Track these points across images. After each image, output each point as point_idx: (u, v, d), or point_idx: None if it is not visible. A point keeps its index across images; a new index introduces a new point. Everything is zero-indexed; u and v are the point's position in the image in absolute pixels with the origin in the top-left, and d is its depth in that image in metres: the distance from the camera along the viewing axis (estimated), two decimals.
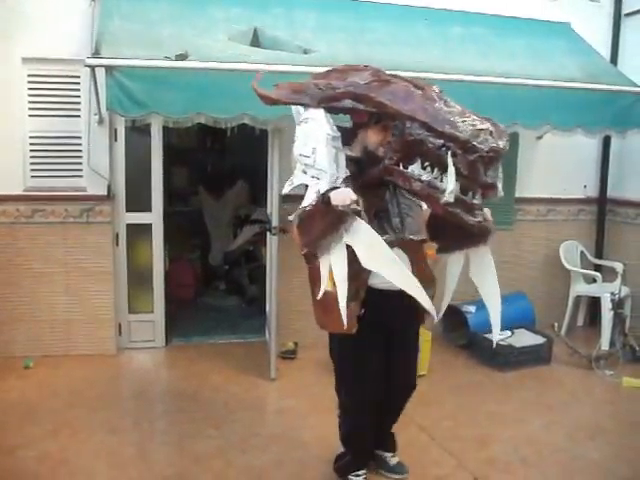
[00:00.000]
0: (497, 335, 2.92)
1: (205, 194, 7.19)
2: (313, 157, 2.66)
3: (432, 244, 2.92)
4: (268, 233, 4.65)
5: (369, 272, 2.73)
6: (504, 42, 4.96)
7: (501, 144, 2.41)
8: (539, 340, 5.14)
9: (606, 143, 5.95)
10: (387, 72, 2.77)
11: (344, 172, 2.67)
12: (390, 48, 4.42)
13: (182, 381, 4.49)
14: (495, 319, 2.85)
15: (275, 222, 4.35)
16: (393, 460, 3.39)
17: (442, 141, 2.43)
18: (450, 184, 2.44)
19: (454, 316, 5.22)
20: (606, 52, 5.77)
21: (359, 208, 2.51)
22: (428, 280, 2.91)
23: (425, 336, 4.71)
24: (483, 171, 2.44)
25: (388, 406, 3.24)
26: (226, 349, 5.14)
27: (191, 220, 7.34)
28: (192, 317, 5.90)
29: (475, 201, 2.52)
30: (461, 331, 5.31)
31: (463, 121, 2.42)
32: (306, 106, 2.78)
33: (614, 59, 5.82)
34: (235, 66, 3.84)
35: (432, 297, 2.80)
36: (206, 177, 7.82)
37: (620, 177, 6.04)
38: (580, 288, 5.81)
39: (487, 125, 2.41)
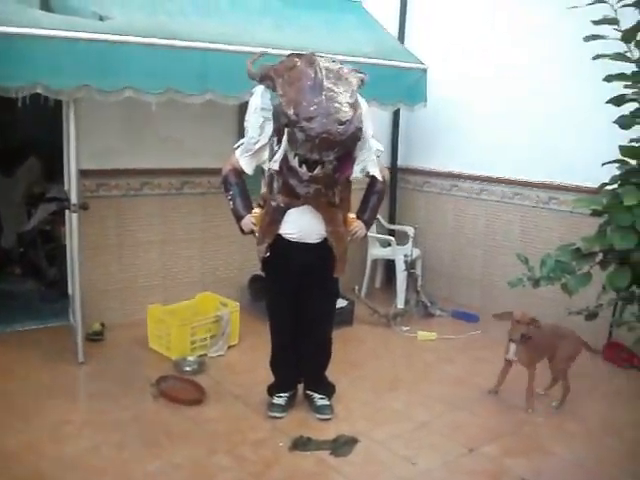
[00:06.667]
0: None
1: None
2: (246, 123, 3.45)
3: (351, 214, 3.55)
4: (67, 211, 4.42)
5: (276, 226, 3.42)
6: (300, 16, 5.08)
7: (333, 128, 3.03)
8: (342, 304, 5.42)
9: (395, 116, 6.37)
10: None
11: (267, 138, 3.34)
12: (190, 18, 4.36)
13: None
14: None
15: (74, 199, 4.13)
16: (320, 401, 3.80)
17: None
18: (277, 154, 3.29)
19: (262, 284, 5.34)
20: (394, 30, 6.15)
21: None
22: (337, 239, 3.46)
23: (233, 307, 4.80)
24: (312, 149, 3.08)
25: (306, 350, 3.75)
26: (28, 337, 4.79)
27: None
28: None
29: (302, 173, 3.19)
30: None
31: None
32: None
33: (401, 37, 6.22)
34: (24, 31, 3.57)
35: (340, 254, 3.50)
36: None
37: (409, 148, 6.51)
38: (376, 252, 6.21)
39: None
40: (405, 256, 5.68)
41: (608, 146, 2.62)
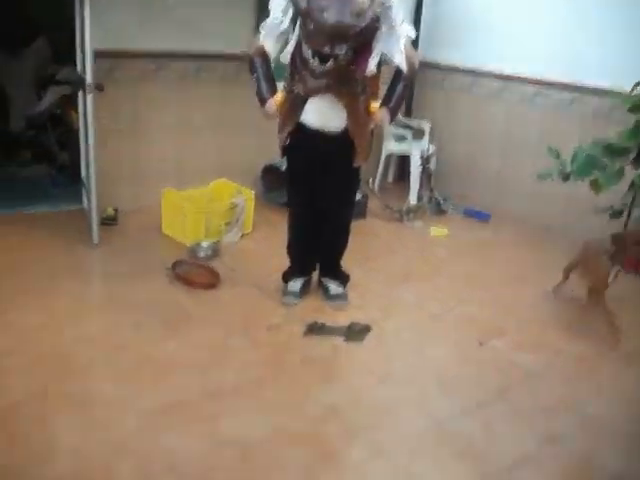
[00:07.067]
0: None
1: None
2: None
3: (375, 102, 3.40)
4: (81, 93, 4.32)
5: (296, 114, 3.36)
6: None
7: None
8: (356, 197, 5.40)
9: (418, 6, 6.12)
10: None
11: (289, 21, 3.26)
12: None
13: None
14: None
15: (89, 79, 4.02)
16: (334, 289, 3.88)
17: None
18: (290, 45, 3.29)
19: (275, 175, 5.32)
20: None
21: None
22: (358, 129, 3.37)
23: (248, 195, 4.79)
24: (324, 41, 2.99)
25: (324, 237, 3.77)
26: (40, 219, 4.78)
27: None
28: None
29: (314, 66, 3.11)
30: (281, 190, 5.38)
31: None
32: None
33: None
34: None
35: (361, 144, 3.42)
36: None
37: (430, 40, 6.28)
38: (391, 147, 6.12)
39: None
40: (422, 151, 5.61)
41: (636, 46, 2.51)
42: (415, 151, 5.73)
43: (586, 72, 5.03)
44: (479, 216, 5.65)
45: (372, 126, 3.48)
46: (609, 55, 4.79)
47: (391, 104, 3.46)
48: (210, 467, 2.45)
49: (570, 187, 5.08)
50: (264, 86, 3.44)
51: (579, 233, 5.14)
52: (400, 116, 6.19)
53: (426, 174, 5.69)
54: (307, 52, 3.13)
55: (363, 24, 2.98)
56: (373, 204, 5.48)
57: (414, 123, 6.21)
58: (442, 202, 5.68)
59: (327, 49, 3.02)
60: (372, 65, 3.24)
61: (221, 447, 2.56)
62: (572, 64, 5.12)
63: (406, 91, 3.57)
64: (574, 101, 5.19)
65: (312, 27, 2.98)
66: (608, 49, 4.80)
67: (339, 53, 3.04)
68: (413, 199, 5.72)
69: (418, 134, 5.99)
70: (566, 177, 2.43)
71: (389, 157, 6.26)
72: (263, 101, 3.44)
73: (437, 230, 5.21)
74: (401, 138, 6.11)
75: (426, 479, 2.50)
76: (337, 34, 2.97)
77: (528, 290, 4.29)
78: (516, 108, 5.63)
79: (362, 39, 3.09)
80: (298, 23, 3.14)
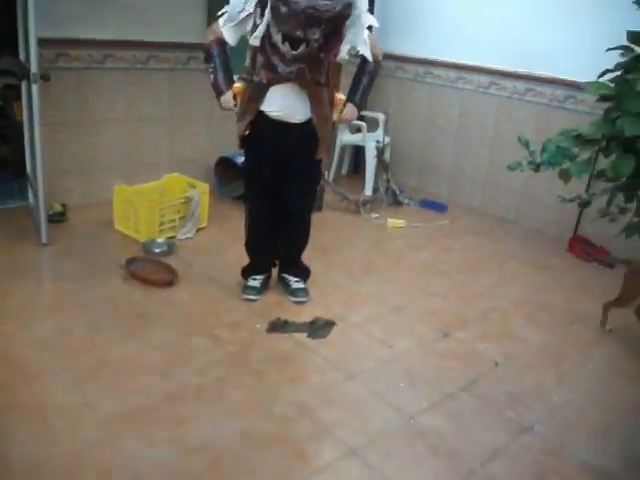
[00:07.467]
0: None
1: None
2: None
3: (340, 94, 3.36)
4: (24, 83, 4.12)
5: (257, 102, 3.25)
6: None
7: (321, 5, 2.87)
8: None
9: (371, 1, 6.06)
10: None
11: (252, 7, 3.10)
12: None
13: None
14: None
15: (35, 68, 3.82)
16: (295, 284, 3.78)
17: None
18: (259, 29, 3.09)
19: (228, 168, 5.19)
20: None
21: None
22: (322, 120, 3.30)
23: (202, 188, 4.66)
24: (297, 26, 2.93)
25: (284, 233, 3.68)
26: None
27: None
28: None
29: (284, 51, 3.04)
30: (235, 183, 5.27)
31: None
32: None
33: None
34: None
35: (324, 136, 3.35)
36: None
37: (382, 30, 6.19)
38: (346, 138, 6.07)
39: None
40: (377, 142, 5.57)
41: (590, 37, 2.52)
42: (370, 142, 5.68)
43: (539, 62, 5.08)
44: (435, 207, 5.65)
45: (335, 118, 3.40)
46: (562, 45, 4.84)
47: (357, 98, 3.41)
48: (177, 474, 2.35)
49: (524, 179, 5.15)
50: (221, 77, 3.32)
51: (533, 222, 5.28)
52: None
53: (382, 165, 5.65)
54: (277, 37, 3.04)
55: (338, 8, 2.93)
56: (329, 196, 5.42)
57: (368, 114, 6.16)
58: (398, 193, 5.66)
59: (300, 33, 2.96)
60: (344, 51, 3.19)
61: (188, 453, 2.46)
62: (525, 54, 5.15)
63: (371, 84, 3.50)
64: (528, 91, 5.21)
65: (285, 10, 2.90)
66: (561, 39, 4.85)
67: (311, 38, 2.98)
68: (369, 191, 5.68)
69: (372, 125, 5.95)
70: (537, 167, 2.41)
71: (343, 148, 6.20)
72: (220, 93, 3.32)
73: (394, 222, 5.17)
74: (355, 129, 6.05)
75: (401, 479, 2.45)
76: (311, 18, 2.90)
77: (487, 280, 4.31)
78: (471, 98, 5.64)
79: (335, 24, 3.03)
80: (268, 7, 3.03)
